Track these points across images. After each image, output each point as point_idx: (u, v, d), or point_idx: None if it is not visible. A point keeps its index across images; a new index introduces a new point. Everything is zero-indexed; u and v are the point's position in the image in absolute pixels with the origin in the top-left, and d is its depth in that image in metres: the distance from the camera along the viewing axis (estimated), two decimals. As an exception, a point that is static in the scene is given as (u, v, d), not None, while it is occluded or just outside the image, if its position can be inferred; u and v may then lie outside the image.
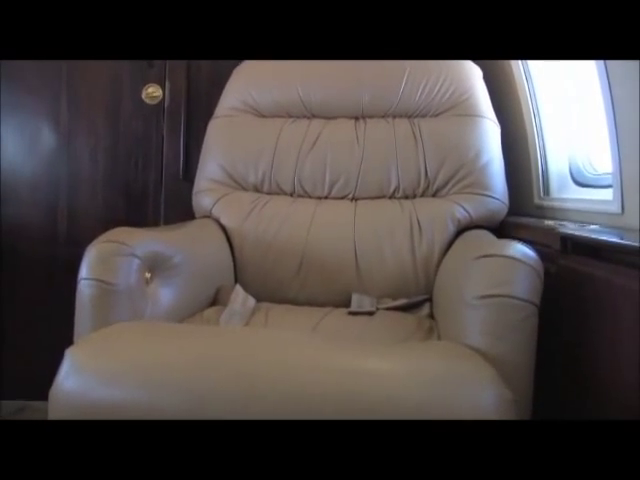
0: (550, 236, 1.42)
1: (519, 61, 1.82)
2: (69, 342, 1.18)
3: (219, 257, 1.65)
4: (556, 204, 1.77)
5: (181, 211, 2.03)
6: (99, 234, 2.12)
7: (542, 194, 1.85)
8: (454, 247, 1.61)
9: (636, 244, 1.08)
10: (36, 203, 2.20)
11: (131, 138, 2.19)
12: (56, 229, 2.20)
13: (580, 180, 1.79)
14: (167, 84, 2.16)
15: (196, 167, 1.98)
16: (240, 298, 1.50)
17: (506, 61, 1.86)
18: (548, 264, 1.35)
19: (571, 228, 1.38)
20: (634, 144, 1.35)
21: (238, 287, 1.56)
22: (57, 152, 2.20)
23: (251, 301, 1.50)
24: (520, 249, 1.16)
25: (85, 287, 1.22)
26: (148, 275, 1.31)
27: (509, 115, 1.91)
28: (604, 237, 1.22)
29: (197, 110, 2.17)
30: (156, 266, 1.34)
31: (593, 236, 1.25)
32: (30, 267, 2.19)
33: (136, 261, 1.27)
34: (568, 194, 1.79)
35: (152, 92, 2.15)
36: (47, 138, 2.20)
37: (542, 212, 1.84)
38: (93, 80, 2.19)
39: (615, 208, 1.46)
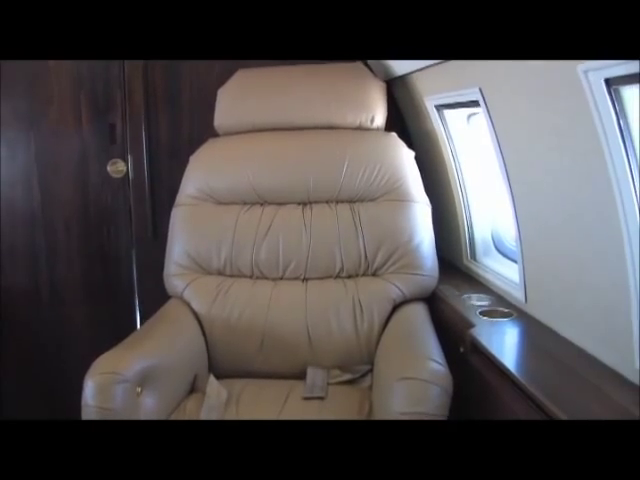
0: (463, 322, 1.71)
1: (447, 142, 2.05)
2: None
3: (194, 346, 1.91)
4: (480, 270, 2.06)
5: (151, 270, 2.27)
6: (79, 296, 2.39)
7: (469, 257, 2.13)
8: (390, 325, 1.89)
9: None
10: (19, 270, 2.42)
11: (101, 208, 2.39)
12: (39, 293, 2.43)
13: (501, 249, 2.07)
14: (129, 158, 2.35)
15: (163, 228, 2.21)
16: (215, 391, 1.77)
17: (438, 143, 2.09)
18: (460, 342, 1.66)
19: (478, 326, 1.66)
20: (536, 243, 1.61)
21: (212, 379, 1.83)
22: (33, 223, 2.40)
23: (223, 393, 1.77)
24: (433, 370, 1.45)
25: (88, 413, 1.49)
26: (139, 389, 1.57)
27: (440, 188, 2.16)
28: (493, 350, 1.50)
29: (159, 180, 2.38)
30: (145, 379, 1.59)
31: (486, 346, 1.53)
32: (16, 329, 2.42)
33: (128, 385, 1.53)
34: (491, 260, 2.07)
35: (117, 167, 2.34)
36: (22, 210, 2.39)
37: (470, 272, 2.13)
38: (60, 156, 2.37)
39: (520, 296, 1.75)
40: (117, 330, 2.32)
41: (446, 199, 2.16)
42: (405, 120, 2.36)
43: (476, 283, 2.04)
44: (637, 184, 1.15)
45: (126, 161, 2.36)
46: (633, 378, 1.24)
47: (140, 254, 2.43)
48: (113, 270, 2.44)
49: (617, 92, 1.10)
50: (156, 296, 2.12)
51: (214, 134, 2.19)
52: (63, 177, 2.38)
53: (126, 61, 2.30)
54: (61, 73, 2.32)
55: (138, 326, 2.44)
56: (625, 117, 1.13)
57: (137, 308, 2.45)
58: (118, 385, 1.51)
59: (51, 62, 2.31)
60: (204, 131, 2.23)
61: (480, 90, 1.63)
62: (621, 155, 1.14)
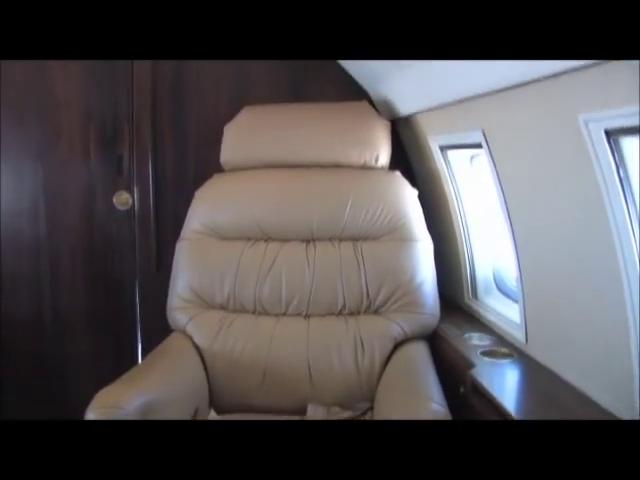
0: (464, 362, 1.72)
1: (450, 182, 2.08)
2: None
3: (196, 380, 1.91)
4: (481, 309, 2.07)
5: (154, 302, 2.28)
6: (81, 326, 2.40)
7: (471, 296, 2.14)
8: (391, 363, 1.90)
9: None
10: (22, 297, 2.43)
11: (106, 239, 2.42)
12: (42, 320, 2.44)
13: (503, 289, 2.08)
14: (135, 190, 2.38)
15: (167, 261, 2.23)
16: (215, 425, 1.77)
17: (441, 182, 2.12)
18: (461, 382, 1.66)
19: (478, 367, 1.66)
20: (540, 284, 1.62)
21: (212, 413, 1.83)
22: (39, 251, 2.42)
23: (222, 428, 1.77)
24: (434, 412, 1.45)
25: None
26: None
27: (443, 227, 2.18)
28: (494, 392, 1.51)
29: (164, 212, 2.41)
30: (146, 414, 1.59)
31: (486, 388, 1.54)
32: (20, 357, 2.43)
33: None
34: (492, 299, 2.08)
35: (123, 199, 2.37)
36: (28, 239, 2.42)
37: (471, 311, 2.14)
38: (67, 186, 2.40)
39: (521, 336, 1.76)
40: (118, 360, 2.36)
41: (448, 237, 2.18)
42: (409, 158, 2.39)
43: (477, 322, 2.05)
44: (636, 230, 1.17)
45: (132, 193, 2.38)
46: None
47: (143, 286, 2.44)
48: (116, 301, 2.45)
49: (617, 142, 1.13)
50: (158, 328, 2.14)
51: (219, 169, 2.22)
52: (69, 207, 2.41)
53: (135, 94, 2.35)
54: (71, 106, 2.36)
55: (139, 357, 2.44)
56: (625, 166, 1.15)
57: (139, 339, 2.46)
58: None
59: (61, 96, 2.36)
60: (210, 166, 2.26)
61: (483, 133, 1.66)
62: (620, 203, 1.17)
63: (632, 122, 1.05)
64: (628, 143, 1.13)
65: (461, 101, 1.70)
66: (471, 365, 1.68)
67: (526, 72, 1.25)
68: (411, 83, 1.94)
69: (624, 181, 1.14)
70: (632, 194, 1.15)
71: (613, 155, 1.14)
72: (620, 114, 1.07)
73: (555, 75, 1.18)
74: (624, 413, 1.29)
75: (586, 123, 1.15)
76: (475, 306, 2.11)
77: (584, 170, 1.22)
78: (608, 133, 1.12)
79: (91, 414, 1.51)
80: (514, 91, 1.39)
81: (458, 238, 2.13)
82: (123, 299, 2.46)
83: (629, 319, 1.22)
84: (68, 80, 2.36)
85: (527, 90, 1.33)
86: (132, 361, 2.37)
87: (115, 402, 1.53)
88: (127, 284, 2.45)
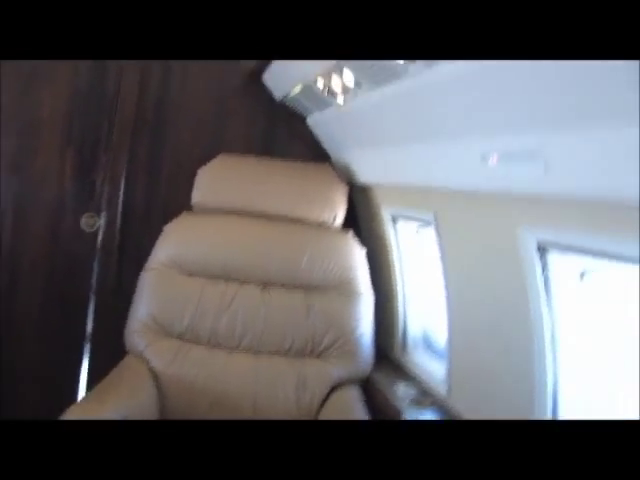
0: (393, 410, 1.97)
1: (395, 247, 2.35)
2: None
3: (147, 404, 2.07)
4: (409, 363, 2.34)
5: (108, 322, 2.44)
6: (33, 336, 2.48)
7: (401, 349, 2.41)
8: (328, 404, 2.14)
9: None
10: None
11: (69, 256, 2.54)
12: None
13: (430, 346, 2.36)
14: (104, 214, 2.52)
15: (125, 286, 2.38)
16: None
17: (387, 245, 2.39)
18: None
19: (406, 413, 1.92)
20: (466, 344, 1.90)
21: None
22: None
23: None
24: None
25: None
26: None
27: (384, 284, 2.45)
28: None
29: (129, 239, 2.56)
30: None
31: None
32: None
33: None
34: (419, 355, 2.36)
35: (90, 222, 2.51)
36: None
37: (400, 362, 2.40)
38: (37, 203, 2.51)
39: (443, 389, 2.04)
40: (63, 373, 2.46)
41: (387, 295, 2.44)
42: (358, 219, 2.65)
43: (404, 374, 2.31)
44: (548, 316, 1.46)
45: (100, 217, 2.52)
46: None
47: (99, 306, 2.56)
48: (69, 316, 2.55)
49: (544, 253, 1.43)
50: (108, 347, 2.29)
51: (187, 207, 2.41)
52: (37, 221, 2.52)
53: (117, 122, 2.51)
54: (54, 125, 2.49)
55: (84, 372, 2.54)
56: (547, 270, 1.45)
57: (85, 356, 2.56)
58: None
59: (46, 113, 2.49)
60: (177, 202, 2.45)
61: (435, 215, 1.94)
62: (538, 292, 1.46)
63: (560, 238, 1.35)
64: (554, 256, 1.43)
65: (417, 188, 1.99)
66: (399, 412, 1.94)
67: (478, 183, 1.54)
68: (373, 159, 2.21)
69: (547, 283, 1.44)
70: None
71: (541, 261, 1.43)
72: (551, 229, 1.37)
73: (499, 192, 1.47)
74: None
75: (522, 234, 1.45)
76: (404, 359, 2.38)
77: (514, 269, 1.51)
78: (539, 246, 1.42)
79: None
80: (464, 193, 1.68)
81: (396, 297, 2.40)
82: (77, 315, 2.56)
83: (535, 389, 1.51)
84: (55, 99, 2.49)
85: (476, 196, 1.62)
86: (75, 374, 2.49)
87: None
88: (83, 302, 2.56)
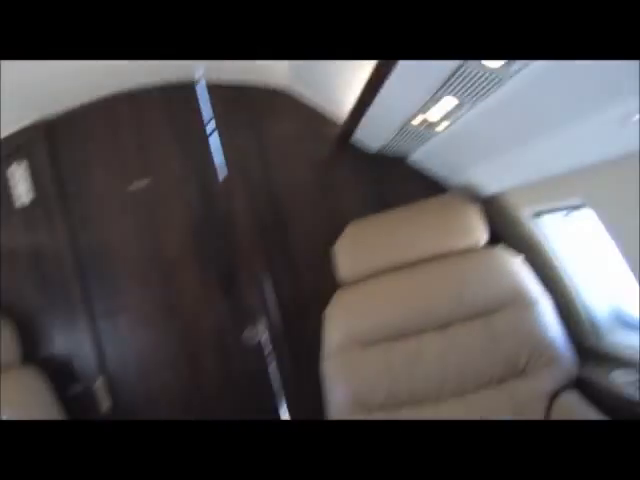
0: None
1: (541, 233, 2.28)
2: None
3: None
4: (609, 347, 2.22)
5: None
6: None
7: (595, 336, 2.30)
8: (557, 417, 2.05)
9: None
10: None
11: (245, 374, 2.65)
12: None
13: (627, 323, 2.23)
14: (261, 323, 2.60)
15: (308, 382, 2.40)
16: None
17: (537, 245, 2.33)
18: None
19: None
20: None
21: None
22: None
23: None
24: None
25: None
26: None
27: (551, 285, 2.37)
28: None
29: (293, 334, 2.62)
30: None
31: None
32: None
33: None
34: (618, 335, 2.24)
35: (252, 334, 2.60)
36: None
37: (600, 349, 2.29)
38: (198, 333, 2.64)
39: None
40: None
41: (558, 292, 2.36)
42: (495, 230, 2.61)
43: (611, 359, 2.20)
44: None
45: (257, 327, 2.62)
46: None
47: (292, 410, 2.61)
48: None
49: None
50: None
51: (334, 286, 2.44)
52: (204, 352, 2.64)
53: (240, 238, 2.62)
54: (187, 262, 2.64)
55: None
56: None
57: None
58: None
59: (174, 252, 2.64)
60: (325, 285, 2.48)
61: (586, 196, 1.87)
62: None
63: None
64: None
65: (554, 176, 1.94)
66: (632, 401, 1.83)
67: (623, 147, 1.49)
68: (497, 168, 2.18)
69: None
70: None
71: None
72: None
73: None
74: None
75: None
76: (601, 345, 2.27)
77: None
78: None
79: None
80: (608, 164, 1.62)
81: (568, 289, 2.32)
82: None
83: None
84: (177, 236, 2.65)
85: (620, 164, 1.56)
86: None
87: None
88: (275, 411, 2.62)
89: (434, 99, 1.87)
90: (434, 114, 2.00)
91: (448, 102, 1.88)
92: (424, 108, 1.97)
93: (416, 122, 2.12)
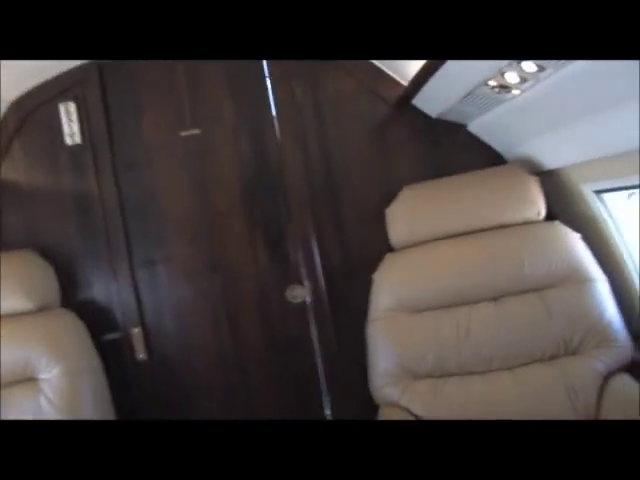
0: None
1: (603, 211, 2.21)
2: None
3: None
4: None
5: (344, 385, 2.48)
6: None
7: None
8: (605, 403, 2.00)
9: None
10: (216, 407, 2.57)
11: (285, 332, 2.61)
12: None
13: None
14: (306, 282, 2.55)
15: (348, 345, 2.44)
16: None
17: (597, 223, 2.26)
18: None
19: None
20: None
21: None
22: (223, 359, 2.59)
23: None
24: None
25: None
26: None
27: (609, 266, 2.30)
28: None
29: (337, 297, 2.57)
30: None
31: None
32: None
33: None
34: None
35: (295, 293, 2.55)
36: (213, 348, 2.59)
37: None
38: (241, 286, 2.60)
39: None
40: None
41: (617, 273, 2.29)
42: (551, 206, 2.54)
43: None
44: None
45: (303, 285, 2.56)
46: None
47: (329, 374, 2.57)
48: (305, 391, 2.57)
49: None
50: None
51: (383, 250, 2.39)
52: (245, 307, 2.59)
53: (290, 197, 2.57)
54: (236, 214, 2.59)
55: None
56: None
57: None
58: None
59: (224, 205, 2.58)
60: (373, 249, 2.44)
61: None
62: None
63: None
64: None
65: (621, 154, 1.86)
66: None
67: None
68: (562, 141, 2.11)
69: None
70: None
71: None
72: None
73: None
74: None
75: None
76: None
77: None
78: None
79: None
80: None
81: (625, 272, 2.25)
82: (310, 389, 2.58)
83: None
84: (226, 187, 2.59)
85: None
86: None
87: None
88: (313, 374, 2.59)
89: (511, 63, 1.79)
90: (510, 77, 1.93)
91: (528, 66, 1.81)
92: (501, 71, 1.90)
93: (490, 85, 2.04)
